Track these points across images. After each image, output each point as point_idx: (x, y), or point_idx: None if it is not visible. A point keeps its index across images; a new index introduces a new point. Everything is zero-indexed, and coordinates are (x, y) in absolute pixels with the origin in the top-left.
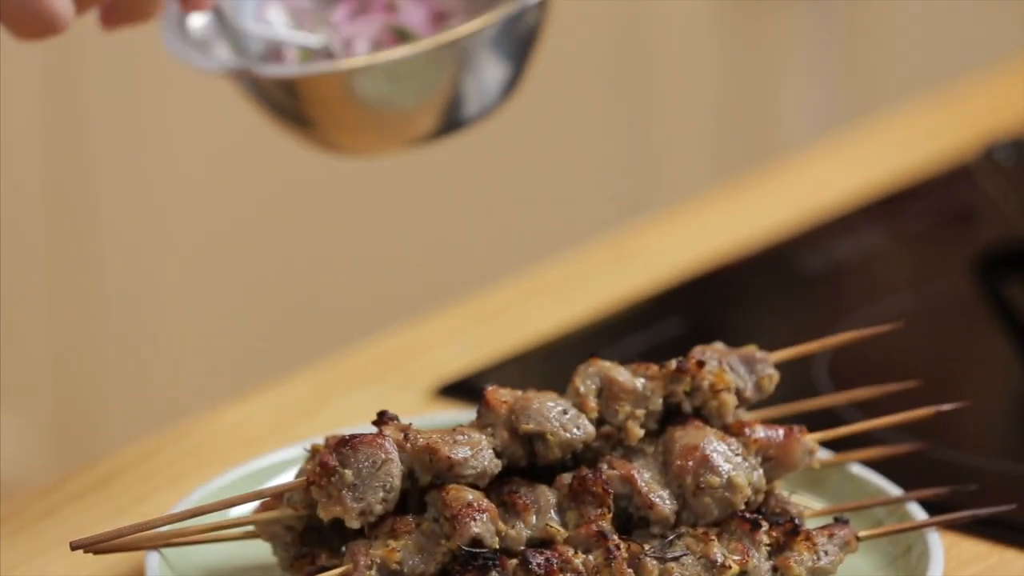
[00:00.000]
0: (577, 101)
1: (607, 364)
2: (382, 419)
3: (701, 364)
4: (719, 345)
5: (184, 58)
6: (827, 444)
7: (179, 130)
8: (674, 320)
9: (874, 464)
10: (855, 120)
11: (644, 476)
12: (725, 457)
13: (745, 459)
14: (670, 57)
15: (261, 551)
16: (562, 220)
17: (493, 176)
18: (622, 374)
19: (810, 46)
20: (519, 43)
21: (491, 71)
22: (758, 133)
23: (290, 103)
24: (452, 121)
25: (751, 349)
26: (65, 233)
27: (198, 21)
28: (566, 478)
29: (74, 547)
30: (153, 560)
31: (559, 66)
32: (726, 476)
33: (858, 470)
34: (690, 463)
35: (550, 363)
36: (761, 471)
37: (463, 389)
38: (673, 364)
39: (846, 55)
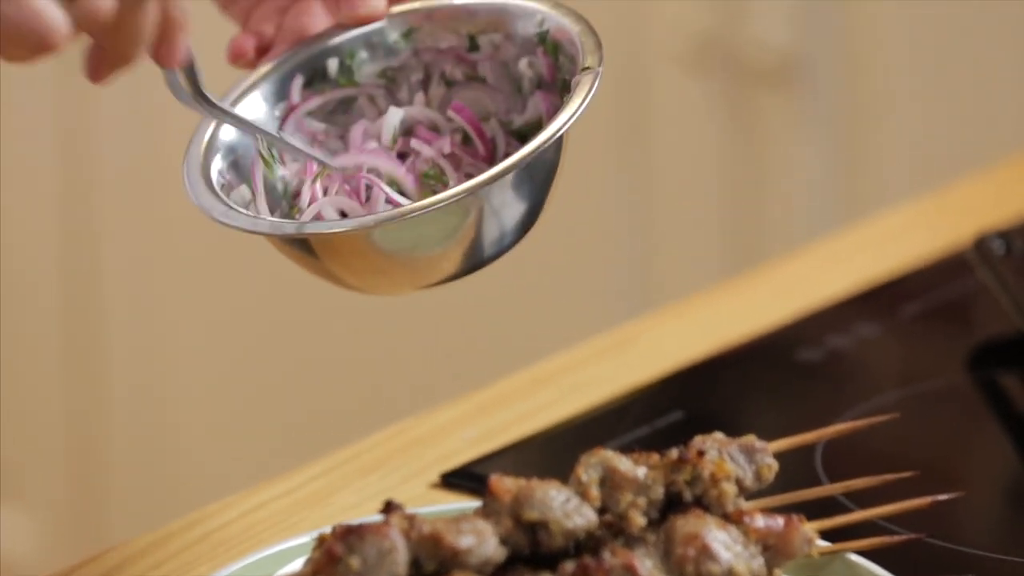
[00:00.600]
0: (578, 198)
1: (609, 454)
2: (388, 508)
3: (701, 454)
4: (719, 435)
5: (211, 212)
6: (826, 533)
7: (188, 230)
8: (675, 410)
9: (872, 553)
10: (851, 214)
11: (646, 564)
12: (726, 545)
13: (745, 547)
14: (670, 158)
15: None
16: (564, 314)
17: (496, 271)
18: (624, 464)
19: (808, 141)
20: (539, 179)
21: (512, 211)
22: (756, 228)
23: (305, 253)
24: (471, 263)
25: (750, 439)
26: (76, 326)
27: (218, 164)
28: (569, 566)
29: None
30: None
31: (561, 165)
32: (727, 565)
33: (856, 559)
34: (691, 551)
35: (553, 453)
36: (761, 559)
37: (467, 478)
38: (674, 454)
39: (843, 149)
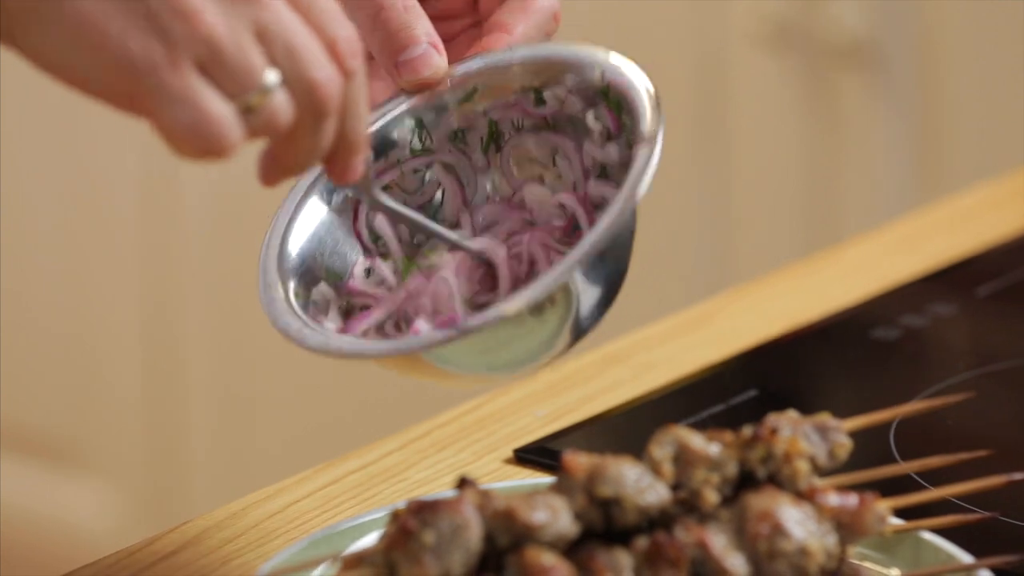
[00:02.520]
0: (658, 179)
1: (682, 431)
2: (462, 484)
3: (775, 432)
4: (793, 413)
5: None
6: (899, 511)
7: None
8: (749, 388)
9: (946, 532)
10: (927, 195)
11: (718, 541)
12: (799, 522)
13: (818, 525)
14: (748, 138)
15: None
16: (639, 293)
17: None
18: (697, 441)
19: (884, 121)
20: (621, 252)
21: (605, 280)
22: (833, 208)
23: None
24: (574, 340)
25: (824, 417)
26: (155, 296)
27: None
28: (642, 542)
29: None
30: None
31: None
32: (800, 542)
33: (930, 537)
34: (764, 528)
35: (627, 430)
36: (835, 537)
37: (541, 454)
38: (748, 431)
39: (919, 129)
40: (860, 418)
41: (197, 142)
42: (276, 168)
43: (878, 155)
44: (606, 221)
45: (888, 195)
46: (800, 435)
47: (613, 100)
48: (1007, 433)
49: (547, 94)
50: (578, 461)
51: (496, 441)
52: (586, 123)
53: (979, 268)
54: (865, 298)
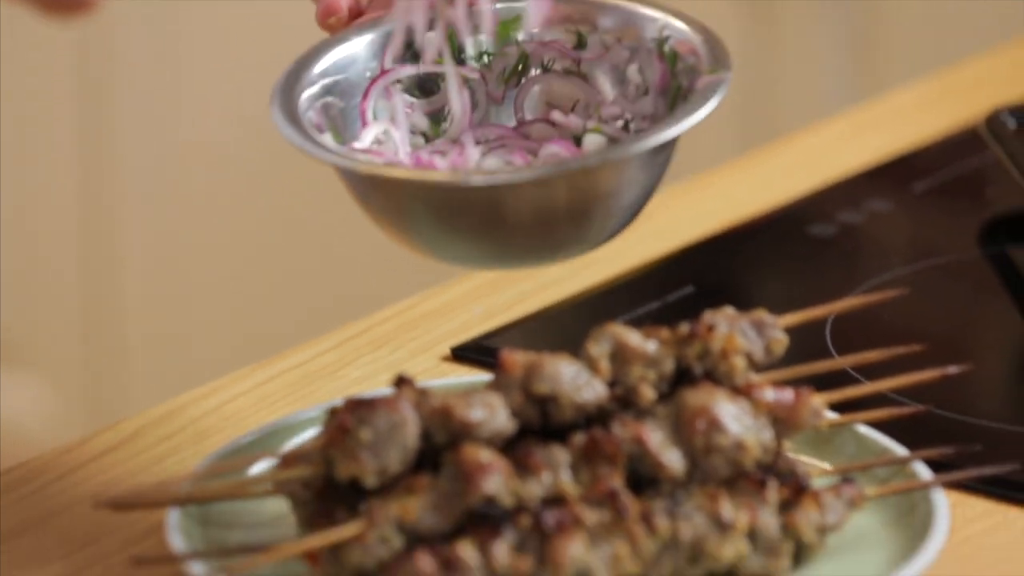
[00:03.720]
0: None
1: (619, 328)
2: (399, 382)
3: (712, 328)
4: (729, 309)
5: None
6: (834, 406)
7: (209, 97)
8: (686, 285)
9: (880, 425)
10: (864, 91)
11: (655, 436)
12: (735, 418)
13: (755, 420)
14: None
15: (280, 508)
16: None
17: None
18: (634, 338)
19: (822, 17)
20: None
21: (642, 187)
22: (769, 105)
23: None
24: (594, 241)
25: (760, 313)
26: (92, 189)
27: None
28: (579, 439)
29: (96, 506)
30: (174, 516)
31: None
32: (736, 436)
33: (864, 431)
34: (701, 424)
35: (564, 328)
36: (771, 431)
37: (478, 352)
38: (685, 328)
39: (857, 25)
40: (796, 314)
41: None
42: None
43: (815, 52)
44: (679, 127)
45: (825, 92)
46: (736, 331)
47: (669, 53)
48: (942, 328)
49: (592, 38)
50: (515, 359)
51: (433, 339)
52: (626, 74)
53: (915, 164)
54: (802, 195)
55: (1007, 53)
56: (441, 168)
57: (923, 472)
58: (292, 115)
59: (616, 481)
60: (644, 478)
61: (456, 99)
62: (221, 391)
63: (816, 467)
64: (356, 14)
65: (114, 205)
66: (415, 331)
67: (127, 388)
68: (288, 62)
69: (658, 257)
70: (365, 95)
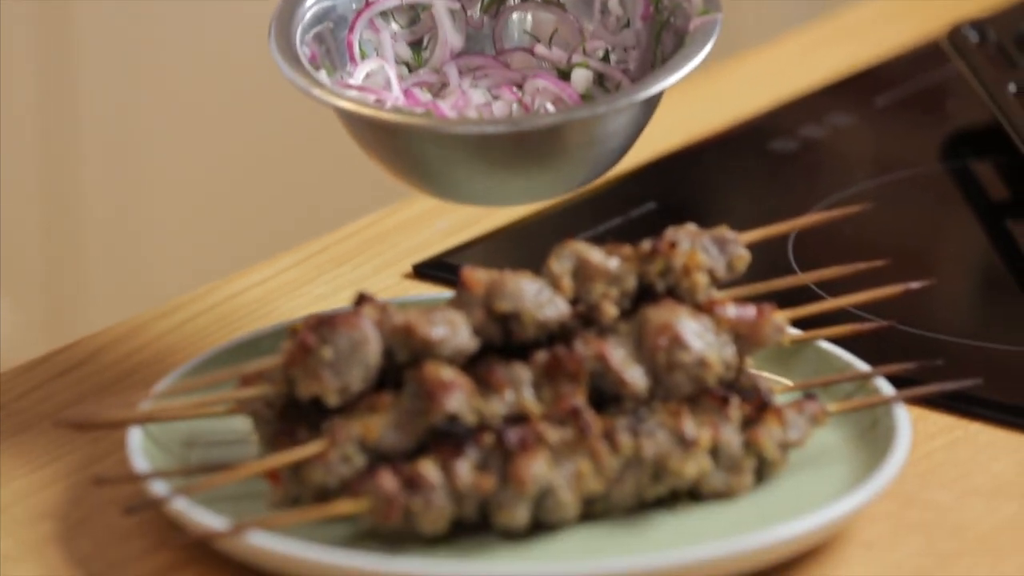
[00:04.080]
0: None
1: (582, 245)
2: (360, 299)
3: (674, 245)
4: (691, 226)
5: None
6: (797, 322)
7: (168, 20)
8: (648, 201)
9: (842, 341)
10: (826, 4)
11: (617, 354)
12: (697, 335)
13: (717, 336)
14: None
15: (242, 427)
16: None
17: None
18: (596, 255)
19: None
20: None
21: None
22: (729, 18)
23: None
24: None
25: (723, 230)
26: (51, 110)
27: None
28: (541, 356)
29: (56, 424)
30: (135, 435)
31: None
32: (698, 353)
33: (827, 347)
34: (663, 341)
35: (526, 245)
36: (732, 348)
37: (440, 269)
38: (647, 245)
39: None
40: (759, 230)
41: None
42: None
43: None
44: (679, 73)
45: (785, 5)
46: (699, 248)
47: None
48: (904, 243)
49: None
50: (477, 276)
51: (395, 256)
52: (607, 5)
53: (877, 78)
54: (763, 109)
55: None
56: (445, 110)
57: (885, 388)
58: (291, 54)
59: (579, 399)
60: (607, 395)
61: (445, 29)
62: (182, 309)
63: (778, 383)
64: None
65: (74, 122)
66: (377, 248)
67: (87, 306)
68: None
69: (620, 174)
70: (351, 27)
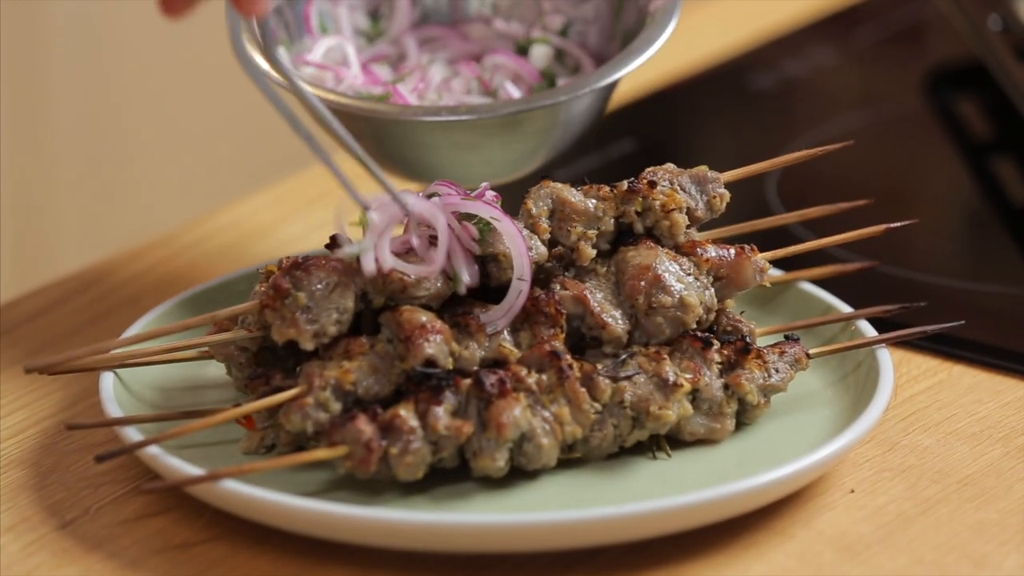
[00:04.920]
0: None
1: (559, 186)
2: (333, 242)
3: (652, 184)
4: (670, 165)
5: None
6: (778, 263)
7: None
8: (626, 140)
9: (825, 282)
10: None
11: (596, 296)
12: (677, 277)
13: (697, 279)
14: None
15: (216, 372)
16: None
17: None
18: (574, 195)
19: None
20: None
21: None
22: None
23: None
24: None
25: (702, 169)
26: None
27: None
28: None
29: (28, 370)
30: (107, 381)
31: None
32: (678, 296)
33: (809, 288)
34: (642, 283)
35: (505, 184)
36: (712, 290)
37: None
38: (624, 185)
39: None
40: (739, 169)
41: None
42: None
43: None
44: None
45: None
46: (678, 187)
47: None
48: (887, 182)
49: None
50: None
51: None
52: None
53: (858, 14)
54: (742, 46)
55: None
56: (406, 95)
57: (868, 330)
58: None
59: (557, 343)
60: (586, 339)
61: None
62: (153, 251)
63: (759, 326)
64: None
65: (41, 63)
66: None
67: (56, 250)
68: None
69: None
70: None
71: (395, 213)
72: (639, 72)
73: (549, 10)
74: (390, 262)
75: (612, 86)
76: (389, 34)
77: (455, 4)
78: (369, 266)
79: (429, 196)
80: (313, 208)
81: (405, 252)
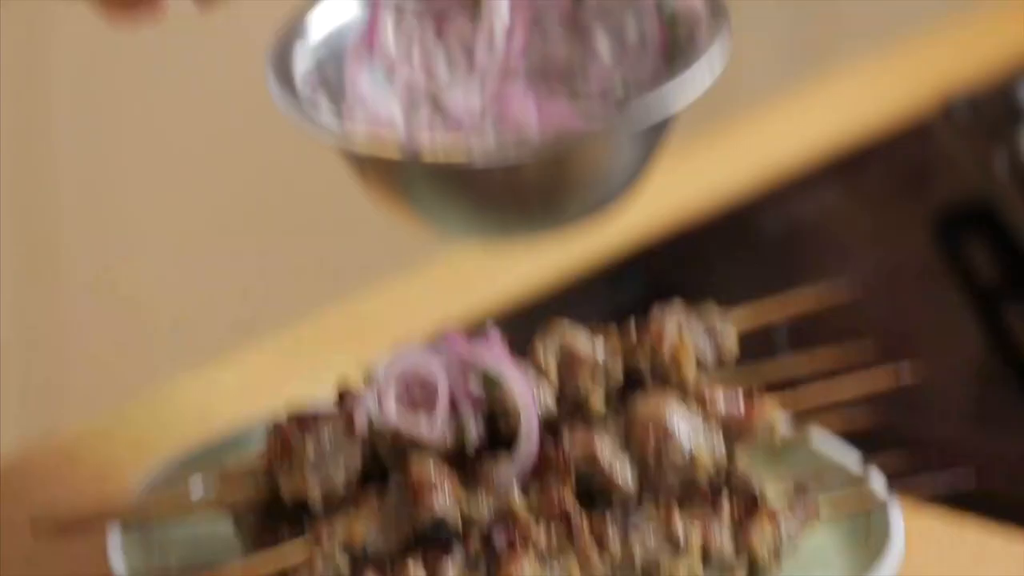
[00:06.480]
0: None
1: (568, 332)
2: (343, 395)
3: (661, 329)
4: (679, 305)
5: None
6: (787, 411)
7: (143, 87)
8: (634, 283)
9: (834, 432)
10: (811, 74)
11: (606, 448)
12: (686, 429)
13: (706, 433)
14: None
15: (223, 526)
16: None
17: None
18: (582, 343)
19: (765, 9)
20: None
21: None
22: (719, 95)
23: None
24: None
25: (711, 312)
26: (28, 205)
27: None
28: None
29: (35, 529)
30: (115, 537)
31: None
32: (688, 449)
33: (818, 437)
34: (652, 438)
35: (512, 327)
36: (722, 442)
37: None
38: (634, 330)
39: (801, 4)
40: (748, 313)
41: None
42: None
43: (761, 29)
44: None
45: (771, 73)
46: (687, 332)
47: (668, 14)
48: (896, 327)
49: None
50: None
51: (377, 344)
52: (624, 33)
53: (866, 154)
54: (751, 186)
55: (957, 34)
56: (443, 142)
57: (877, 481)
58: (288, 86)
59: (567, 497)
60: (595, 490)
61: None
62: (160, 401)
63: (769, 479)
64: None
65: (50, 210)
66: (358, 337)
67: (63, 402)
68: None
69: (607, 253)
70: (356, 54)
71: (399, 367)
72: (646, 215)
73: (604, 65)
74: (393, 417)
75: (657, 127)
76: (441, 87)
77: (510, 58)
78: (362, 425)
79: (434, 347)
80: (321, 356)
81: (410, 405)
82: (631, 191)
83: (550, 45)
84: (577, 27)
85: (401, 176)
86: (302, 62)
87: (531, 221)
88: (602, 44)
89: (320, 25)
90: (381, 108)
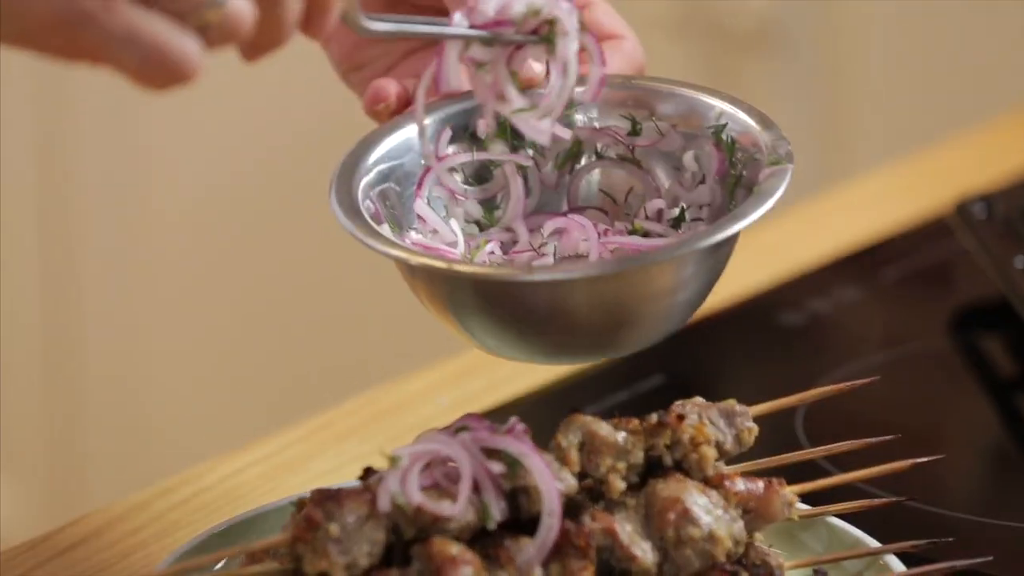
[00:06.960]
0: None
1: (589, 419)
2: (367, 474)
3: (681, 418)
4: (699, 399)
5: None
6: (806, 497)
7: (166, 194)
8: (655, 375)
9: (853, 517)
10: (832, 178)
11: (626, 529)
12: (706, 510)
13: (725, 511)
14: None
15: None
16: None
17: None
18: (604, 428)
19: (787, 104)
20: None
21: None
22: None
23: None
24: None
25: (730, 403)
26: (53, 289)
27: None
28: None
29: None
30: None
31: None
32: (707, 529)
33: (836, 522)
34: (671, 516)
35: (533, 418)
36: (741, 523)
37: None
38: (654, 418)
39: (823, 113)
40: (767, 404)
41: (157, 76)
42: (256, 50)
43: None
44: (748, 219)
45: (792, 178)
46: (707, 421)
47: (727, 141)
48: (913, 418)
49: (646, 125)
50: None
51: (399, 430)
52: (682, 161)
53: (884, 252)
54: (770, 282)
55: (974, 139)
56: (500, 263)
57: (896, 565)
58: (351, 205)
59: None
60: (616, 571)
61: (518, 187)
62: (186, 484)
63: (788, 560)
64: (405, 102)
65: (76, 297)
66: (381, 422)
67: (88, 483)
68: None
69: None
70: (420, 183)
71: (422, 449)
72: None
73: (665, 194)
74: (417, 498)
75: (720, 249)
76: (503, 222)
77: (572, 192)
78: (384, 504)
79: (456, 431)
80: (345, 442)
81: (433, 486)
82: (683, 321)
83: (609, 174)
84: (635, 156)
85: (463, 295)
86: (367, 183)
87: (581, 345)
88: (659, 172)
89: (381, 148)
90: (441, 226)
